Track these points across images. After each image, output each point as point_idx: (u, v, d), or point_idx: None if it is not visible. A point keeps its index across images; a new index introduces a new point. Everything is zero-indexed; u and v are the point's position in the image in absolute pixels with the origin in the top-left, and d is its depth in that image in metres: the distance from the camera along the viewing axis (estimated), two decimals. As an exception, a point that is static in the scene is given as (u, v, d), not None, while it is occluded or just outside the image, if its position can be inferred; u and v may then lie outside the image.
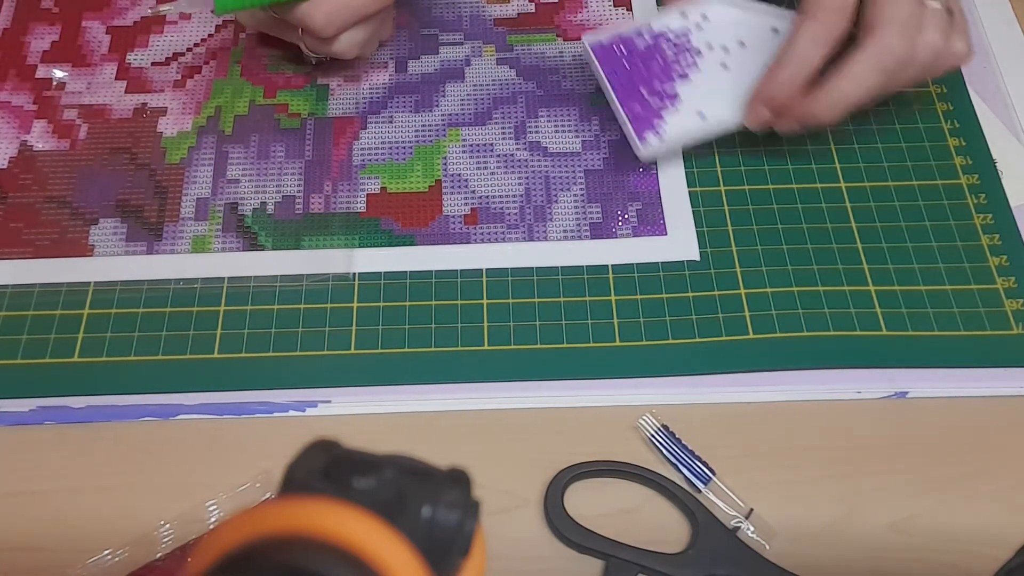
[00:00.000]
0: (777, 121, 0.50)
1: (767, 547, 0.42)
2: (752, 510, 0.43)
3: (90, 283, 0.49)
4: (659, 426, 0.44)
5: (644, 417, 0.44)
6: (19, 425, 0.45)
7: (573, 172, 0.53)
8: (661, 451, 0.44)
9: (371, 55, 0.56)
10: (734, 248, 0.50)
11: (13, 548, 0.42)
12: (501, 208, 0.52)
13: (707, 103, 0.51)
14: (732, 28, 0.53)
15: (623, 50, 0.52)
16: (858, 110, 0.48)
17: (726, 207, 0.51)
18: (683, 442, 0.44)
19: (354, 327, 0.47)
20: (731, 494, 0.43)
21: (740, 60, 0.52)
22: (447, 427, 0.45)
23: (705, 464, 0.44)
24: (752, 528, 0.42)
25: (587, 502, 0.43)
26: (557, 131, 0.54)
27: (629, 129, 0.51)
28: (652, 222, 0.51)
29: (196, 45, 0.58)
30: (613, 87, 0.51)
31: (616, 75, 0.52)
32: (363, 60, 0.57)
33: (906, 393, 0.46)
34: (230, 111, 0.55)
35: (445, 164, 0.53)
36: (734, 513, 0.43)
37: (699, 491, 0.43)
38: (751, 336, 0.47)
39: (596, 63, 0.52)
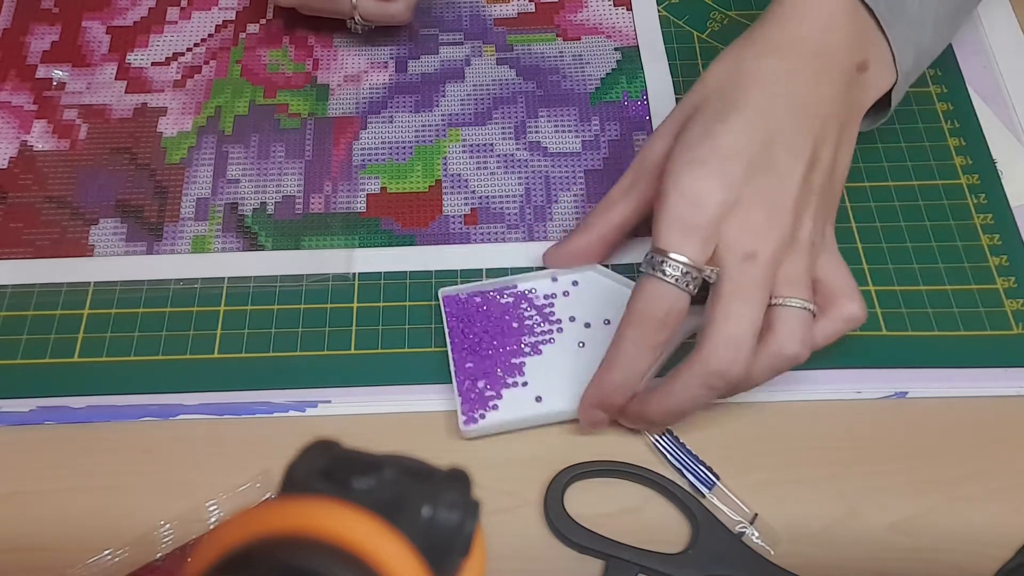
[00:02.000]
0: (617, 420, 0.44)
1: (772, 552, 0.42)
2: (756, 515, 0.43)
3: (90, 283, 0.49)
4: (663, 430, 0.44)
5: (646, 418, 0.44)
6: (19, 425, 0.45)
7: (573, 172, 0.53)
8: (665, 455, 0.44)
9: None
10: (734, 248, 0.50)
11: (13, 548, 0.42)
12: (501, 208, 0.52)
13: (549, 387, 0.45)
14: (601, 301, 0.47)
15: (478, 309, 0.47)
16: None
17: (726, 207, 0.51)
18: (687, 446, 0.44)
19: (354, 327, 0.47)
20: (735, 498, 0.43)
21: (600, 339, 0.45)
22: (447, 427, 0.45)
23: (709, 469, 0.43)
24: (756, 534, 0.42)
25: (587, 502, 0.43)
26: (557, 131, 0.54)
27: (457, 402, 0.44)
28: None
29: (196, 45, 0.58)
30: (452, 349, 0.46)
31: (462, 335, 0.46)
32: (362, 59, 0.57)
33: (906, 393, 0.46)
34: (230, 111, 0.55)
35: (445, 164, 0.53)
36: (738, 518, 0.43)
37: (703, 496, 0.43)
38: (751, 336, 0.47)
39: (444, 318, 0.46)
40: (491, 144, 0.54)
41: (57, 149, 0.54)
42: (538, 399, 0.45)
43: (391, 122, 0.55)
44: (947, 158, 0.53)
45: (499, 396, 0.45)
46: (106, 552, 0.41)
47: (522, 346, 0.46)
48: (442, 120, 0.55)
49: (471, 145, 0.54)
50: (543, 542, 0.42)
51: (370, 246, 0.50)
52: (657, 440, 0.44)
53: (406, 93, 0.56)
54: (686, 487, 0.43)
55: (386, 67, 0.57)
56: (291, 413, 0.46)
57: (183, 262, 0.50)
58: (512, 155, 0.54)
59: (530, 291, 0.47)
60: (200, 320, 0.48)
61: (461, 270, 0.49)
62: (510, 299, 0.47)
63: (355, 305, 0.48)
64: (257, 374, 0.46)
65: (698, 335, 0.40)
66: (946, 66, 0.57)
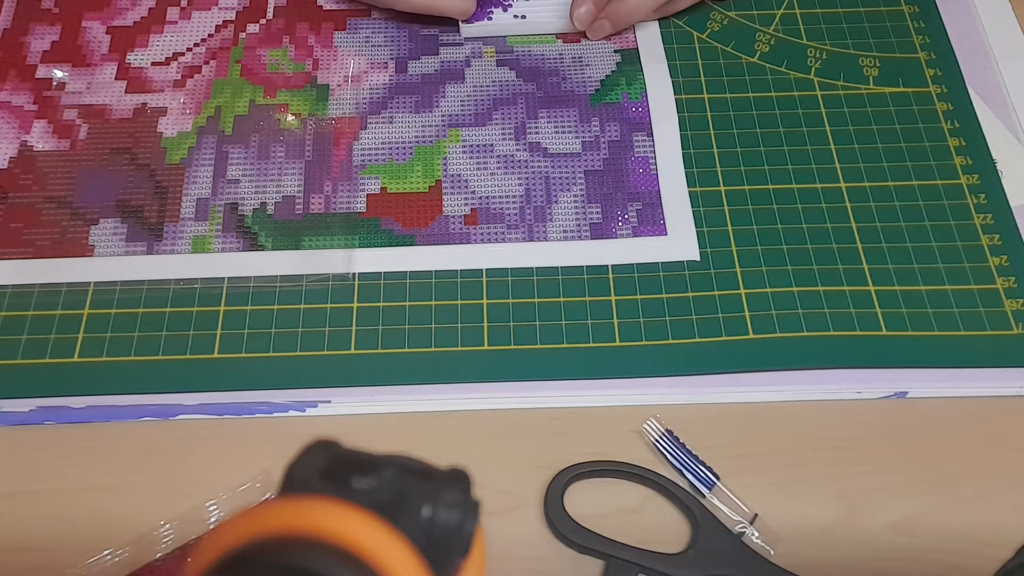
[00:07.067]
0: (596, 23, 0.56)
1: (772, 552, 0.42)
2: (756, 515, 0.43)
3: (90, 283, 0.49)
4: (663, 431, 0.44)
5: (648, 421, 0.44)
6: (19, 425, 0.45)
7: (573, 172, 0.53)
8: (666, 456, 0.44)
9: None
10: (734, 248, 0.50)
11: (13, 548, 0.42)
12: (501, 208, 0.52)
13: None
14: None
15: None
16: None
17: (726, 207, 0.51)
18: (687, 447, 0.44)
19: (354, 327, 0.47)
20: (735, 498, 0.43)
21: None
22: (447, 427, 0.45)
23: (709, 469, 0.43)
24: (757, 534, 0.42)
25: (587, 502, 0.43)
26: (557, 132, 0.54)
27: None
28: (652, 222, 0.51)
29: (196, 45, 0.58)
30: None
31: None
32: (362, 59, 0.57)
33: (906, 393, 0.46)
34: (230, 111, 0.55)
35: (445, 164, 0.53)
36: (738, 518, 0.43)
37: (703, 496, 0.43)
38: (751, 336, 0.47)
39: None
40: (491, 145, 0.54)
41: (57, 149, 0.54)
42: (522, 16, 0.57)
43: (391, 122, 0.55)
44: (947, 158, 0.53)
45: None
46: (106, 552, 0.41)
47: None
48: (442, 120, 0.55)
49: (471, 146, 0.54)
50: (543, 542, 0.42)
51: (370, 246, 0.50)
52: (657, 440, 0.44)
53: (406, 93, 0.56)
54: (686, 487, 0.43)
55: (386, 67, 0.57)
56: (291, 413, 0.46)
57: (183, 262, 0.50)
58: (512, 156, 0.54)
59: None
60: (200, 320, 0.48)
61: (461, 270, 0.49)
62: None
63: (355, 305, 0.48)
64: (257, 374, 0.46)
65: None
66: (946, 66, 0.57)
